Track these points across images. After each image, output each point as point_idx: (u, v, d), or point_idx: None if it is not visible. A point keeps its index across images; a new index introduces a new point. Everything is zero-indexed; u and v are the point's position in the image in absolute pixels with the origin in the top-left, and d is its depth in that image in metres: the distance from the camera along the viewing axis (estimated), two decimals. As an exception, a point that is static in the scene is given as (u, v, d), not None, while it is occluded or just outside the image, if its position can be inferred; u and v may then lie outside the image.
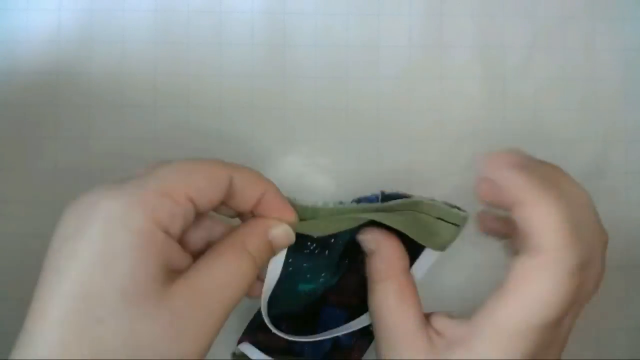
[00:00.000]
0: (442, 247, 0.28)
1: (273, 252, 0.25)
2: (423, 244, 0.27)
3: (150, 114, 0.36)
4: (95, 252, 0.20)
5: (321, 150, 0.37)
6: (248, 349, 0.29)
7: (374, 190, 0.37)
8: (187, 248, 0.24)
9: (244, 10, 0.37)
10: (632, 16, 0.38)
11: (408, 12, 0.38)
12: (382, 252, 0.26)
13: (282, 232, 0.25)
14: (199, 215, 0.24)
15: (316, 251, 0.27)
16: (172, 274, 0.21)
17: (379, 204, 0.28)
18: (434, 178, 0.37)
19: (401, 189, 0.37)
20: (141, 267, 0.20)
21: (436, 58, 0.38)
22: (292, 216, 0.26)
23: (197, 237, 0.25)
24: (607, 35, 0.38)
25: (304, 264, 0.27)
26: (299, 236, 0.26)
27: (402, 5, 0.38)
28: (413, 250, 0.28)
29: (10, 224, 0.35)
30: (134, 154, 0.36)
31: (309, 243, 0.27)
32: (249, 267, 0.23)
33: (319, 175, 0.37)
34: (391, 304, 0.25)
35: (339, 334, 0.28)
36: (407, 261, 0.27)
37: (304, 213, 0.26)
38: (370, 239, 0.27)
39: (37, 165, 0.36)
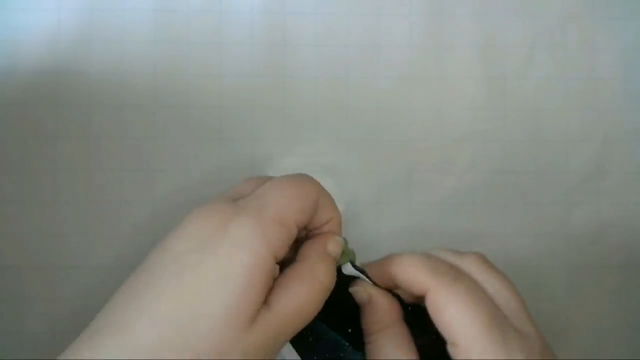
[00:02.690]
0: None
1: (335, 262, 0.26)
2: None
3: (150, 114, 0.36)
4: (220, 269, 0.22)
5: (321, 150, 0.37)
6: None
7: (372, 194, 0.37)
8: None
9: (244, 10, 0.37)
10: (632, 16, 0.38)
11: (408, 12, 0.38)
12: (375, 302, 0.27)
13: (335, 243, 0.26)
14: None
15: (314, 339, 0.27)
16: None
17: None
18: (434, 178, 0.37)
19: (401, 189, 0.37)
20: (253, 288, 0.22)
21: (436, 58, 0.38)
22: (341, 241, 0.27)
23: None
24: (607, 35, 0.38)
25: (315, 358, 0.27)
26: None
27: (402, 5, 0.38)
28: None
29: (10, 224, 0.35)
30: (134, 153, 0.36)
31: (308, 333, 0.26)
32: (320, 294, 0.24)
33: (319, 175, 0.37)
34: (389, 352, 0.25)
35: None
36: (400, 310, 0.27)
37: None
38: (362, 290, 0.27)
39: (37, 165, 0.36)
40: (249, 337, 0.21)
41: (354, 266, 0.28)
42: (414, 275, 0.25)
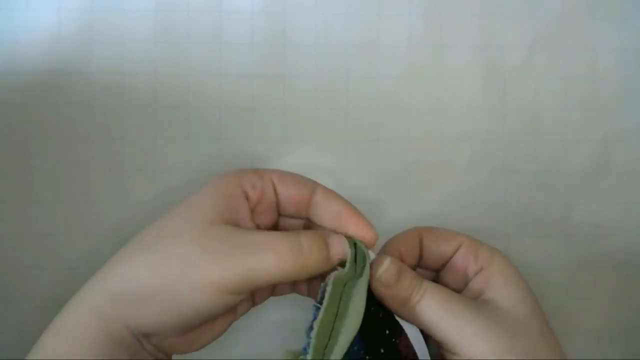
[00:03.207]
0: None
1: (329, 259, 0.25)
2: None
3: (150, 114, 0.36)
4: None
5: (321, 150, 0.37)
6: None
7: (372, 194, 0.37)
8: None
9: (244, 10, 0.37)
10: (632, 16, 0.38)
11: (408, 12, 0.38)
12: (404, 271, 0.27)
13: (340, 244, 0.26)
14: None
15: None
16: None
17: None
18: (434, 178, 0.37)
19: (401, 189, 0.37)
20: (215, 205, 0.25)
21: (436, 58, 0.38)
22: (370, 233, 0.27)
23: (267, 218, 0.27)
24: (607, 35, 0.38)
25: None
26: None
27: (402, 5, 0.38)
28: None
29: (10, 224, 0.35)
30: (134, 153, 0.36)
31: None
32: (296, 250, 0.24)
33: (319, 175, 0.37)
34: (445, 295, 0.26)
35: None
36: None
37: None
38: (391, 262, 0.27)
39: (37, 165, 0.36)
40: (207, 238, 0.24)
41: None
42: (446, 233, 0.29)
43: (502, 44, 0.38)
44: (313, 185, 0.27)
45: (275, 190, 0.27)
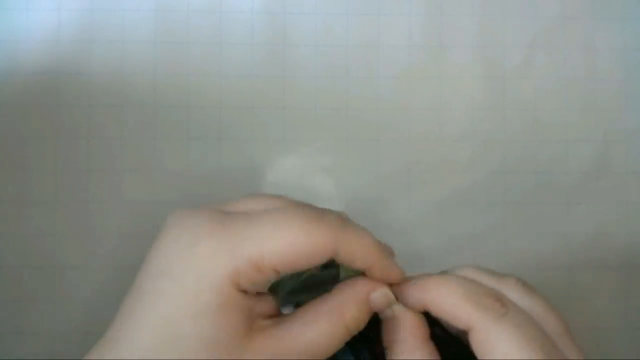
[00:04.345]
0: None
1: (370, 314, 0.23)
2: None
3: (150, 114, 0.36)
4: (189, 303, 0.20)
5: (321, 150, 0.37)
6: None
7: (372, 194, 0.37)
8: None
9: (244, 10, 0.37)
10: (632, 16, 0.38)
11: (408, 12, 0.38)
12: (402, 319, 0.23)
13: (382, 296, 0.23)
14: None
15: None
16: (257, 326, 0.21)
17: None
18: (433, 178, 0.37)
19: (401, 189, 0.37)
20: (224, 323, 0.20)
21: (436, 58, 0.38)
22: (398, 275, 0.23)
23: None
24: (607, 35, 0.38)
25: None
26: None
27: (402, 5, 0.38)
28: None
29: (10, 224, 0.35)
30: (134, 153, 0.36)
31: None
32: (341, 337, 0.22)
33: (319, 175, 0.37)
34: None
35: None
36: (427, 328, 0.23)
37: None
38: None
39: (37, 165, 0.36)
40: None
41: None
42: (453, 307, 0.22)
43: (502, 44, 0.38)
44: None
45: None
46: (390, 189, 0.37)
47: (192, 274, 0.20)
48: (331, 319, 0.21)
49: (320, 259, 0.21)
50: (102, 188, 0.36)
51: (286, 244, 0.20)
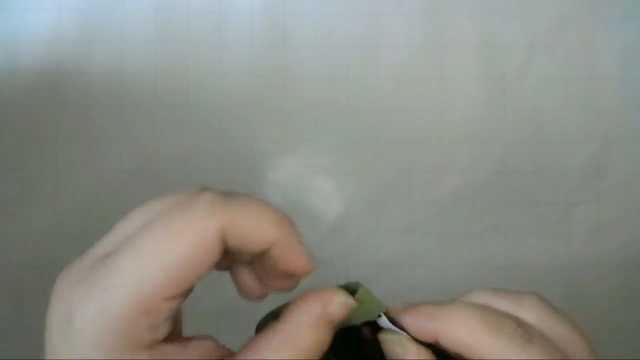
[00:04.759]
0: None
1: (335, 328, 0.20)
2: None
3: (150, 114, 0.36)
4: None
5: (321, 150, 0.37)
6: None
7: (372, 194, 0.37)
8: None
9: (244, 10, 0.37)
10: (632, 16, 0.38)
11: (408, 12, 0.38)
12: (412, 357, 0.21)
13: (342, 308, 0.20)
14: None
15: None
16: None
17: None
18: (433, 178, 0.37)
19: (401, 189, 0.37)
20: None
21: (436, 58, 0.38)
22: (304, 266, 0.19)
23: None
24: (607, 35, 0.38)
25: None
26: None
27: (402, 5, 0.38)
28: None
29: (10, 224, 0.35)
30: (134, 154, 0.36)
31: None
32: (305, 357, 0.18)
33: (319, 175, 0.37)
34: None
35: None
36: None
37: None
38: (396, 342, 0.21)
39: (37, 165, 0.36)
40: None
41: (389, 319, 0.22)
42: (470, 338, 0.19)
43: (502, 44, 0.38)
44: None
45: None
46: (390, 189, 0.37)
47: (76, 339, 0.18)
48: (285, 348, 0.18)
49: (208, 256, 0.17)
50: (101, 188, 0.36)
51: (168, 262, 0.17)
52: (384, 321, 0.22)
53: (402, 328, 0.21)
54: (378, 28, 0.37)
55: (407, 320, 0.21)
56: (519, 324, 0.20)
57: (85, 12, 0.36)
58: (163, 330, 0.17)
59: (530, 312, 0.21)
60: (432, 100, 0.37)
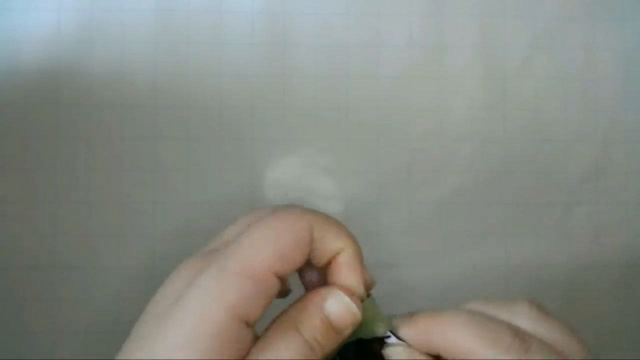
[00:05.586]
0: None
1: (337, 331, 0.21)
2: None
3: (150, 114, 0.36)
4: (183, 337, 0.19)
5: (321, 150, 0.37)
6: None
7: (372, 194, 0.37)
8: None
9: (244, 10, 0.37)
10: (632, 16, 0.38)
11: (408, 12, 0.38)
12: None
13: (340, 305, 0.21)
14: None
15: None
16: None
17: None
18: (434, 178, 0.37)
19: (401, 189, 0.37)
20: (217, 355, 0.19)
21: (436, 58, 0.38)
22: (356, 282, 0.22)
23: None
24: (607, 35, 0.38)
25: None
26: None
27: (402, 5, 0.38)
28: None
29: (10, 224, 0.35)
30: (134, 153, 0.36)
31: None
32: (302, 354, 0.20)
33: (319, 175, 0.37)
34: None
35: None
36: None
37: None
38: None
39: (37, 165, 0.36)
40: None
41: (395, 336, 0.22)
42: (469, 350, 0.20)
43: (502, 44, 0.38)
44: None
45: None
46: (390, 189, 0.37)
47: (186, 310, 0.19)
48: (285, 336, 0.20)
49: (301, 244, 0.21)
50: (102, 188, 0.36)
51: (267, 243, 0.20)
52: (392, 340, 0.22)
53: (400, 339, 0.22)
54: (378, 28, 0.37)
55: (407, 333, 0.22)
56: (516, 333, 0.20)
57: (85, 12, 0.36)
58: (259, 308, 0.20)
59: (524, 319, 0.21)
60: (432, 100, 0.37)
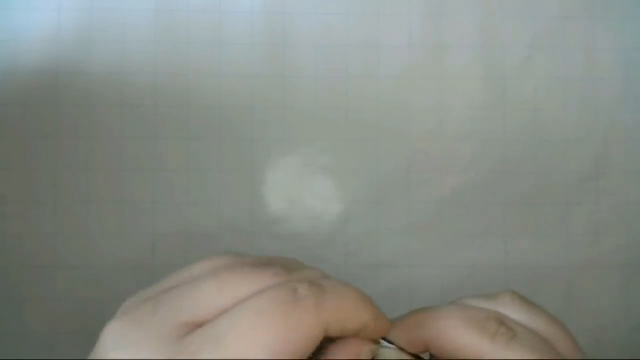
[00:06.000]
0: None
1: None
2: None
3: (150, 114, 0.36)
4: None
5: (321, 150, 0.37)
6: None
7: (372, 194, 0.37)
8: None
9: (244, 10, 0.37)
10: (632, 16, 0.38)
11: (408, 12, 0.38)
12: None
13: (369, 354, 0.20)
14: None
15: None
16: None
17: None
18: (434, 178, 0.37)
19: (401, 189, 0.37)
20: None
21: (436, 58, 0.38)
22: (389, 326, 0.21)
23: None
24: (607, 35, 0.38)
25: None
26: None
27: (402, 5, 0.38)
28: None
29: (10, 224, 0.35)
30: (134, 154, 0.36)
31: None
32: None
33: (319, 175, 0.37)
34: None
35: None
36: None
37: None
38: (387, 355, 0.21)
39: (37, 165, 0.36)
40: None
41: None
42: (457, 339, 0.20)
43: (502, 44, 0.38)
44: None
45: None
46: (390, 189, 0.37)
47: None
48: None
49: (312, 343, 0.17)
50: (102, 188, 0.36)
51: (267, 351, 0.16)
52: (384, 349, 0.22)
53: (393, 343, 0.21)
54: (378, 28, 0.37)
55: (395, 333, 0.21)
56: (501, 321, 0.20)
57: (85, 12, 0.36)
58: None
59: (508, 310, 0.21)
60: (432, 100, 0.37)
